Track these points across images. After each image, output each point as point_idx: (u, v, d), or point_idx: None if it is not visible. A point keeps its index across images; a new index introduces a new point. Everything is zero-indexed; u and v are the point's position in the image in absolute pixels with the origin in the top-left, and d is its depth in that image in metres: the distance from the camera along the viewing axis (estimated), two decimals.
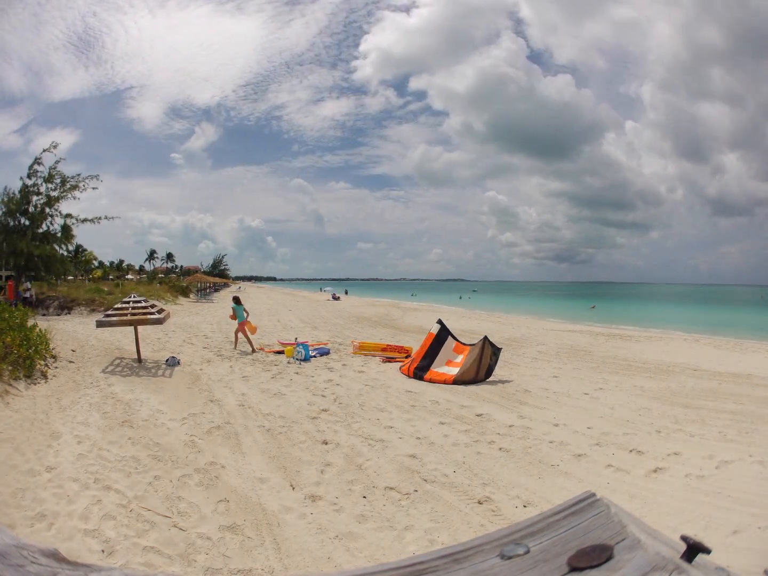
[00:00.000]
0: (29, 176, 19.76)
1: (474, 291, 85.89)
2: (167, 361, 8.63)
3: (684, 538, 0.45)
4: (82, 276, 43.42)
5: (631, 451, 4.65)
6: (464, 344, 8.53)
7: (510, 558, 0.47)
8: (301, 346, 9.54)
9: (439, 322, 8.89)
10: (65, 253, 22.74)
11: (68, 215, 20.85)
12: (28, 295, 16.73)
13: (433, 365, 8.16)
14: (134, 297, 9.34)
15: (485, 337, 8.11)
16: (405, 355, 9.86)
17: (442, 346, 8.47)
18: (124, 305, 8.94)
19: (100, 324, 8.54)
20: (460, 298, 52.98)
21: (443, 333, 8.66)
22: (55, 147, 19.89)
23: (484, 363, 7.83)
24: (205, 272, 63.43)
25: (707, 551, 0.45)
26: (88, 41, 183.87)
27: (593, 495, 0.56)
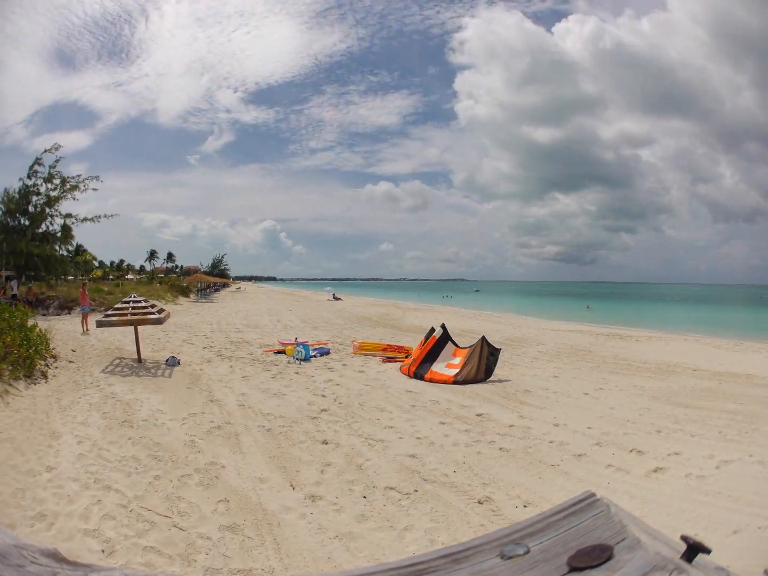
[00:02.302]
0: (29, 176, 19.77)
1: (476, 291, 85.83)
2: (167, 361, 8.64)
3: (684, 538, 0.45)
4: (81, 276, 43.38)
5: (631, 451, 4.65)
6: (462, 348, 8.55)
7: (510, 558, 0.47)
8: (301, 346, 9.55)
9: (443, 326, 8.90)
10: (65, 253, 22.76)
11: (68, 215, 20.88)
12: (16, 292, 16.67)
13: (433, 366, 8.18)
14: (134, 297, 9.35)
15: (483, 338, 8.12)
16: (405, 354, 9.86)
17: (443, 349, 8.50)
18: (124, 305, 8.95)
19: (100, 324, 8.54)
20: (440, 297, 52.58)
21: (445, 337, 8.69)
22: (56, 149, 19.91)
23: (482, 363, 7.83)
24: (205, 272, 63.38)
25: (707, 551, 0.45)
26: (105, 27, 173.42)
27: (593, 495, 0.56)
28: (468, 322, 18.61)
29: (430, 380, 7.78)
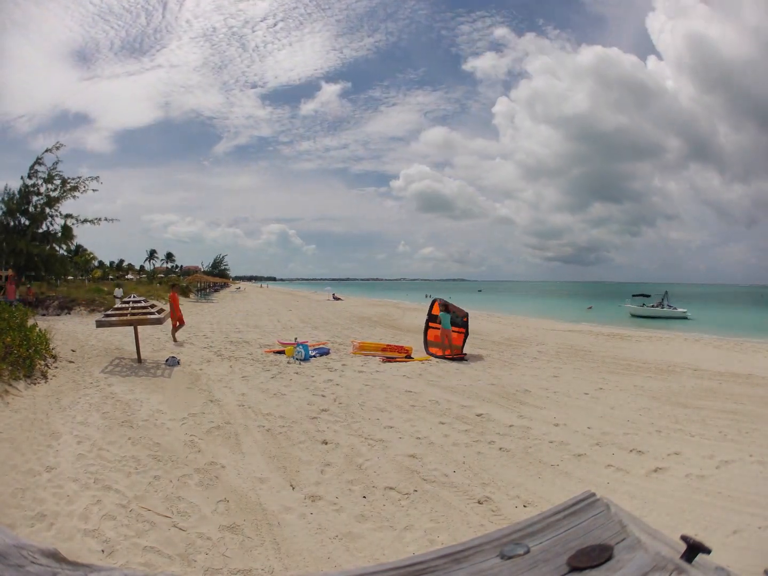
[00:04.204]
0: (30, 176, 19.73)
1: (479, 291, 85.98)
2: (167, 361, 8.63)
3: (684, 538, 0.46)
4: (81, 276, 43.37)
5: (631, 451, 4.65)
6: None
7: (510, 558, 0.47)
8: (301, 346, 9.55)
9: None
10: (65, 253, 22.70)
11: (68, 215, 20.83)
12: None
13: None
14: (134, 297, 9.35)
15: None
16: (405, 355, 9.87)
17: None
18: (123, 305, 8.95)
19: (99, 324, 8.54)
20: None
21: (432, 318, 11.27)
22: (58, 148, 19.87)
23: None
24: (205, 272, 63.34)
25: (707, 551, 0.45)
26: (120, 15, 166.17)
27: (593, 495, 0.56)
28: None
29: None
